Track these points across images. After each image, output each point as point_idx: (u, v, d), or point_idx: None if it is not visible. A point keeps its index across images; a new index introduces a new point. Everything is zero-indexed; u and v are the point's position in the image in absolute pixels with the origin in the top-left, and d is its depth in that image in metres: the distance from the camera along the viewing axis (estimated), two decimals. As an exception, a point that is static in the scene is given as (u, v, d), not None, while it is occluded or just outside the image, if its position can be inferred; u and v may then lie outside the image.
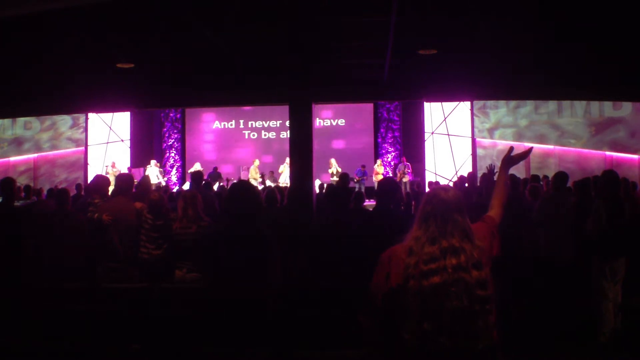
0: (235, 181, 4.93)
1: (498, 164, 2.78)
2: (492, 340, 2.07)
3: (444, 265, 2.06)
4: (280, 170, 15.00)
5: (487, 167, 4.27)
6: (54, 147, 16.96)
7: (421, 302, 2.04)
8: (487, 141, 15.67)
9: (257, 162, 15.40)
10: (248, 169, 15.37)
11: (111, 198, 5.01)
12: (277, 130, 17.82)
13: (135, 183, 5.71)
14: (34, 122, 16.72)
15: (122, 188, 4.91)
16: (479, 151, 15.69)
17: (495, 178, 2.69)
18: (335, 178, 13.99)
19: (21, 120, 16.30)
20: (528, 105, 14.95)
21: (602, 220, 4.55)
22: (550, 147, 14.66)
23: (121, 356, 4.09)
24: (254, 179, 14.68)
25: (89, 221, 4.73)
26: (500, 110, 15.55)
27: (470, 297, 2.02)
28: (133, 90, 7.61)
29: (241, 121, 17.97)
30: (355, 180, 14.83)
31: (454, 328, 2.01)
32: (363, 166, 15.35)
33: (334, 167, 14.80)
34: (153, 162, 15.37)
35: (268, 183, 14.32)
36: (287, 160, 15.17)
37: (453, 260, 2.06)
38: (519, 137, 15.03)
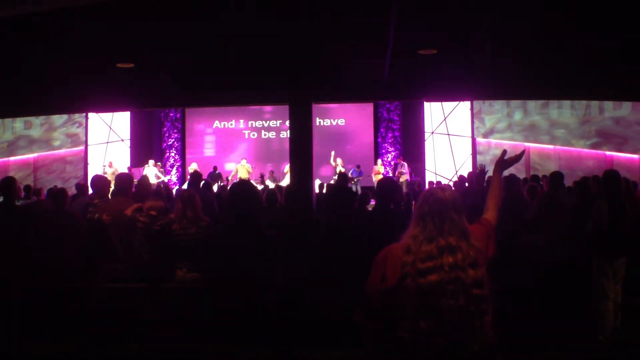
0: (235, 181, 4.92)
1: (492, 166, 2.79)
2: (488, 340, 2.07)
3: (441, 264, 2.07)
4: (285, 171, 14.99)
5: (478, 167, 4.27)
6: (54, 147, 16.97)
7: (418, 300, 2.05)
8: (485, 141, 15.68)
9: (244, 162, 15.43)
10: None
11: (111, 198, 5.01)
12: (277, 130, 17.82)
13: (135, 183, 5.70)
14: (33, 121, 16.72)
15: (121, 188, 4.91)
16: (479, 152, 15.70)
17: (486, 178, 2.70)
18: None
19: (21, 119, 16.31)
20: (526, 107, 14.96)
21: (603, 220, 4.55)
22: (550, 147, 14.66)
23: (121, 356, 4.09)
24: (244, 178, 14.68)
25: (89, 221, 4.72)
26: (495, 116, 15.57)
27: (467, 296, 2.04)
28: (133, 90, 7.61)
29: (241, 121, 17.97)
30: (354, 181, 14.84)
31: (450, 327, 2.02)
32: (358, 166, 15.38)
33: (339, 166, 14.76)
34: (151, 162, 15.35)
35: (268, 183, 14.31)
36: None
37: (450, 259, 2.08)
38: (516, 139, 15.01)
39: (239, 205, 3.14)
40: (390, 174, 16.36)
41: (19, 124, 16.70)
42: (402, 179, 14.38)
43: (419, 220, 2.18)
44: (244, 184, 3.38)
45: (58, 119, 16.83)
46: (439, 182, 13.06)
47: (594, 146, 14.03)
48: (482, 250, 2.19)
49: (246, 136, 18.02)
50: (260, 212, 3.28)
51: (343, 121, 17.60)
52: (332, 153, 15.24)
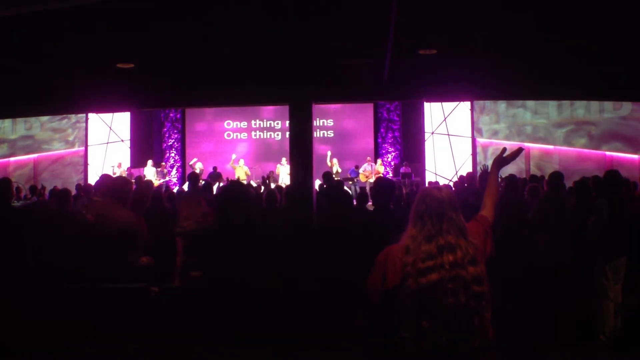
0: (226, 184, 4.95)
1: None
2: (488, 337, 2.08)
3: (441, 263, 2.08)
4: (277, 172, 15.06)
5: (481, 167, 4.27)
6: (54, 148, 16.97)
7: (419, 300, 2.06)
8: (485, 141, 15.69)
9: (241, 162, 15.36)
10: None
11: (104, 198, 4.97)
12: (277, 130, 17.82)
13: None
14: (34, 122, 16.73)
15: (118, 190, 4.87)
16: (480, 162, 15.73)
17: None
18: (336, 178, 13.99)
19: (21, 120, 16.32)
20: (524, 108, 14.96)
21: (604, 220, 4.55)
22: (550, 147, 14.66)
23: (121, 356, 4.09)
24: (242, 179, 14.65)
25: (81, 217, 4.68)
26: (491, 125, 15.58)
27: (467, 294, 2.05)
28: (133, 90, 7.59)
29: (242, 121, 17.98)
30: (352, 181, 14.89)
31: (451, 326, 2.02)
32: (356, 167, 15.42)
33: (336, 166, 14.79)
34: (150, 162, 15.35)
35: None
36: (283, 160, 15.20)
37: (450, 257, 2.09)
38: (515, 140, 15.00)
39: (232, 205, 3.16)
40: (391, 174, 16.38)
41: (19, 124, 16.70)
42: (371, 180, 14.41)
43: (417, 220, 2.19)
44: (235, 185, 3.41)
45: (58, 119, 16.84)
46: (436, 182, 13.04)
47: (594, 146, 14.02)
48: (480, 247, 2.20)
49: (246, 136, 18.03)
50: (254, 212, 3.28)
51: (343, 121, 17.61)
52: (328, 153, 15.27)
